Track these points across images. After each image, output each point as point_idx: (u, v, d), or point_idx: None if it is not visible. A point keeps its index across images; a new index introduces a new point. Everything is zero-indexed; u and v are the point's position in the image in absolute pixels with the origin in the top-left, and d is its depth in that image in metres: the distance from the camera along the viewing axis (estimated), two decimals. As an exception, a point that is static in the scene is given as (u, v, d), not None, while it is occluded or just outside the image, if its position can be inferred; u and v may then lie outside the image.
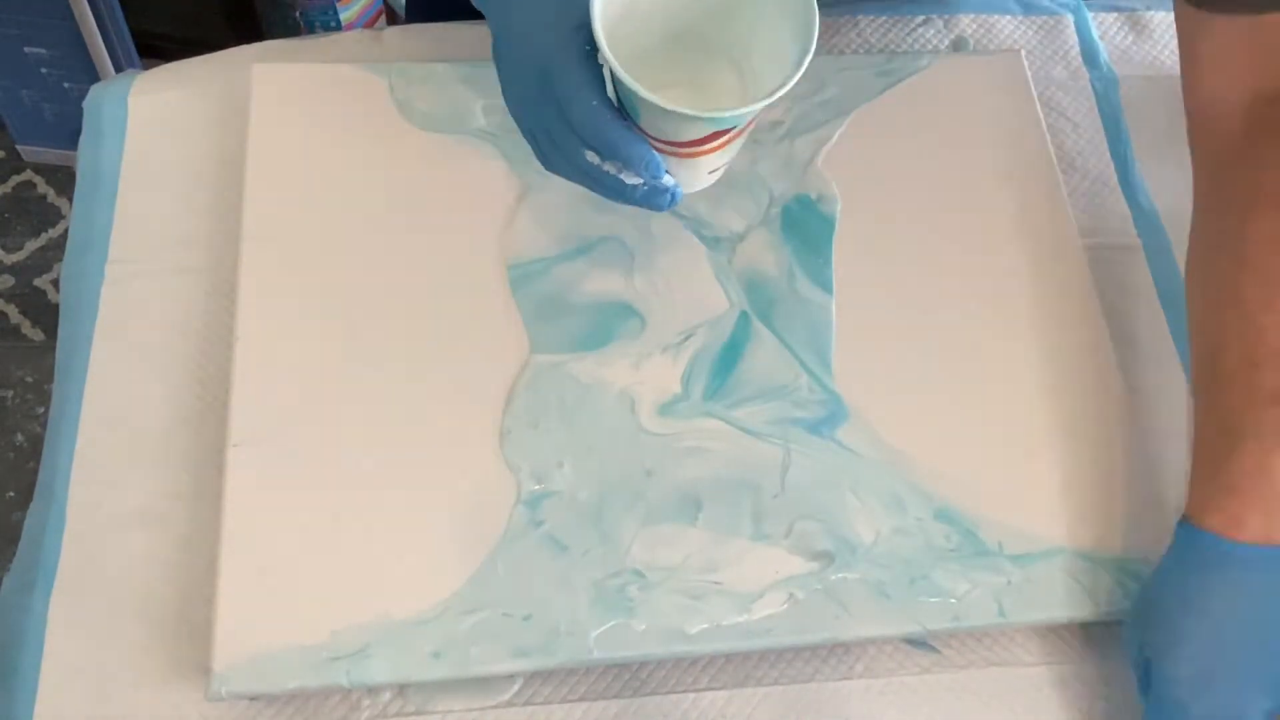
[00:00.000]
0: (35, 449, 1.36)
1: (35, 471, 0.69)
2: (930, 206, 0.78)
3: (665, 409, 0.70)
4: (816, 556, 0.66)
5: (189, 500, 0.67)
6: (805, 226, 0.76)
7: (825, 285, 0.74)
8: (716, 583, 0.65)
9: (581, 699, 0.65)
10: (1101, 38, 0.91)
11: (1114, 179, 0.84)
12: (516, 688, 0.65)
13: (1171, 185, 0.85)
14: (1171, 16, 0.92)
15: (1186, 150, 0.74)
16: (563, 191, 0.72)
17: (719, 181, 0.68)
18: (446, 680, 0.62)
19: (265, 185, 0.73)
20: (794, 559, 0.66)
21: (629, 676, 0.66)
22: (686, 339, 0.72)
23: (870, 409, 0.71)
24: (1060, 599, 0.67)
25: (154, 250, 0.74)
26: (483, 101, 0.78)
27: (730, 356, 0.72)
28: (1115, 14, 0.93)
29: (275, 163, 0.74)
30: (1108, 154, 0.85)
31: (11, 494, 1.34)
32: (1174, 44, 0.91)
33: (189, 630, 0.64)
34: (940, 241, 0.77)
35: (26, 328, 1.44)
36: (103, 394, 0.70)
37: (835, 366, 0.72)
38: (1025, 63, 0.84)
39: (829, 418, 0.70)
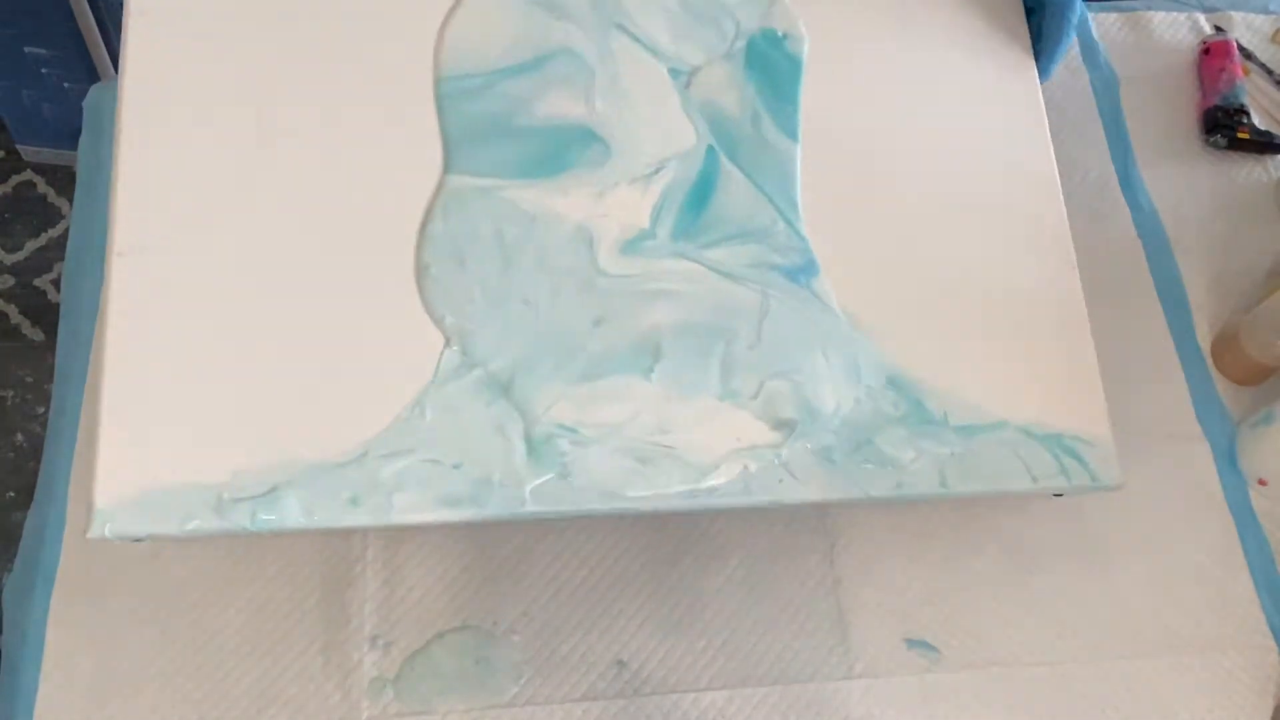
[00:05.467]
0: (35, 449, 1.36)
1: (35, 471, 0.69)
2: (900, 59, 0.75)
3: (629, 247, 0.64)
4: (780, 425, 0.63)
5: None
6: (771, 66, 0.72)
7: (791, 132, 0.70)
8: (668, 446, 0.61)
9: (582, 699, 0.65)
10: (1101, 38, 0.91)
11: (1114, 179, 0.84)
12: (517, 688, 0.65)
13: (1171, 185, 0.85)
14: (1171, 16, 0.93)
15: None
16: None
17: (682, 9, 0.65)
18: (367, 528, 0.58)
19: None
20: (758, 426, 0.63)
21: (629, 676, 0.66)
22: (657, 171, 0.67)
23: (833, 266, 0.67)
24: (999, 472, 0.66)
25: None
26: None
27: (702, 193, 0.67)
28: (1115, 14, 0.93)
29: None
30: (1108, 154, 0.85)
31: (11, 494, 1.34)
32: (1174, 44, 0.92)
33: (189, 630, 0.64)
34: (908, 99, 0.74)
35: (26, 328, 1.44)
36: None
37: (803, 215, 0.68)
38: None
39: (806, 266, 0.67)
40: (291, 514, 0.56)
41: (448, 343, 0.60)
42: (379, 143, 0.64)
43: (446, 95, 0.65)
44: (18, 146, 1.54)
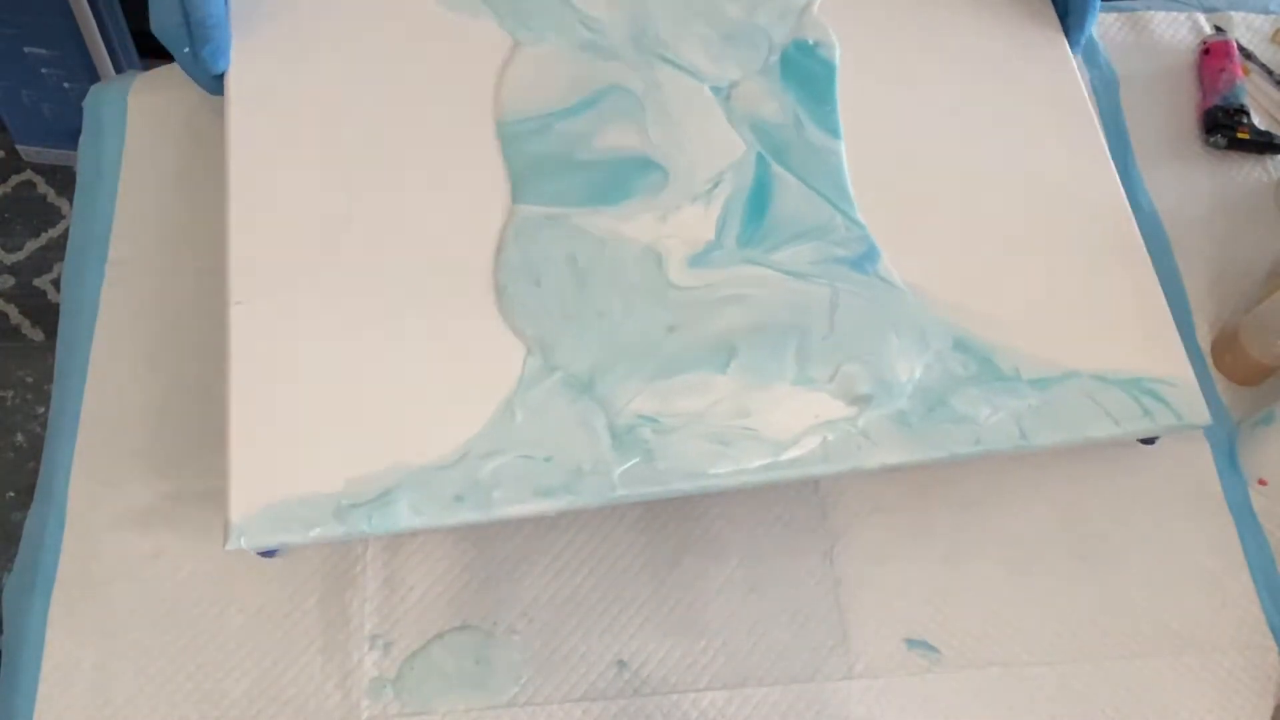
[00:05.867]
0: (35, 449, 1.36)
1: (35, 471, 0.69)
2: (929, 45, 0.79)
3: (697, 260, 0.69)
4: (856, 401, 0.66)
5: (189, 500, 0.67)
6: (806, 72, 0.76)
7: (833, 130, 0.74)
8: (748, 428, 0.64)
9: (582, 699, 0.65)
10: (1101, 38, 0.91)
11: (1114, 179, 0.84)
12: (517, 688, 0.65)
13: (1171, 185, 0.85)
14: (1171, 16, 0.93)
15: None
16: (558, 45, 0.73)
17: (717, 31, 0.73)
18: (469, 524, 0.62)
19: (251, 48, 0.73)
20: (835, 404, 0.65)
21: (629, 676, 0.66)
22: (716, 185, 0.71)
23: (892, 244, 0.71)
24: (1080, 419, 0.67)
25: (154, 250, 0.74)
26: None
27: (760, 200, 0.71)
28: (1115, 14, 0.93)
29: (260, 25, 0.74)
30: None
31: (11, 494, 1.34)
32: (1174, 44, 0.92)
33: (189, 630, 0.64)
34: (940, 84, 0.78)
35: (26, 328, 1.44)
36: (103, 394, 0.70)
37: (856, 204, 0.72)
38: None
39: (868, 252, 0.70)
40: (403, 515, 0.60)
41: (529, 351, 0.65)
42: (452, 181, 0.70)
43: (508, 136, 0.71)
44: (18, 146, 1.54)
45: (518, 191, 0.70)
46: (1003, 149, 0.75)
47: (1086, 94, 0.78)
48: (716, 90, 0.74)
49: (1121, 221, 0.74)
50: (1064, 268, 0.71)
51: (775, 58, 0.76)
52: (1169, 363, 0.69)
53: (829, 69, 0.76)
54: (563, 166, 0.70)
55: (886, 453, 0.64)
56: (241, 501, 0.60)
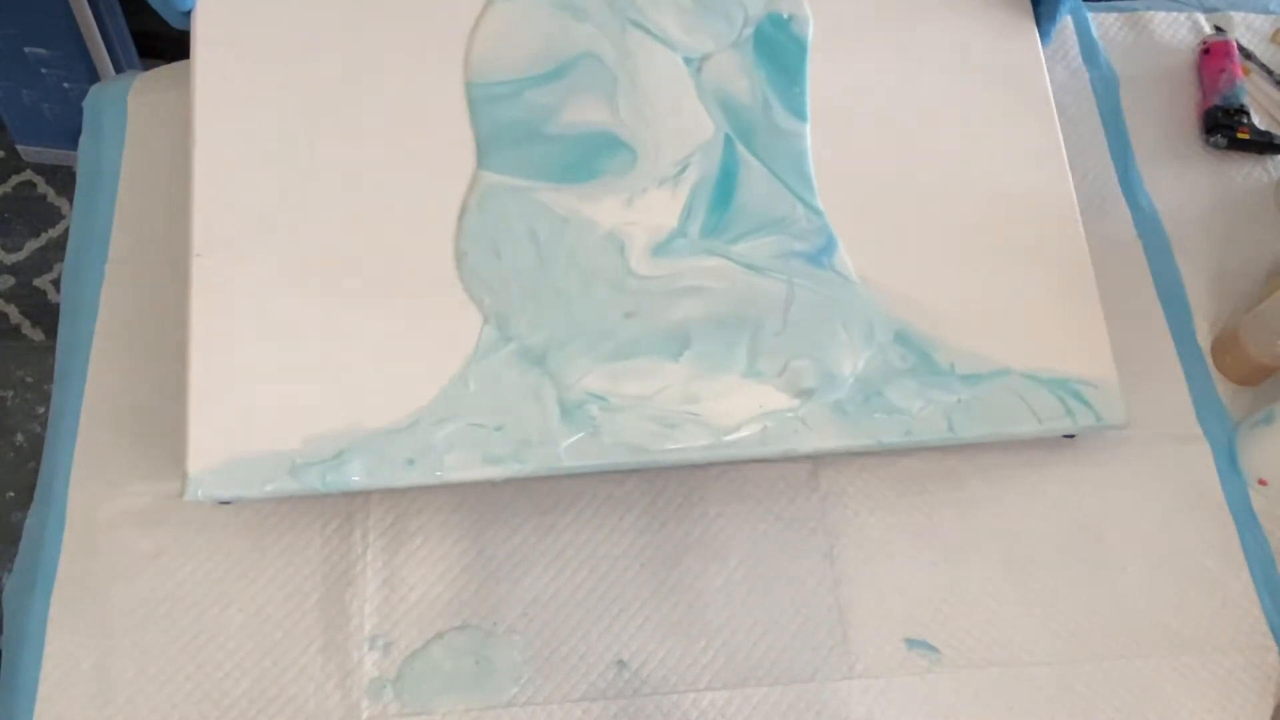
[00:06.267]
0: (35, 449, 1.36)
1: (35, 471, 0.69)
2: (902, 31, 0.78)
3: (660, 249, 0.69)
4: (801, 394, 0.67)
5: (188, 501, 0.67)
6: (778, 49, 0.75)
7: (800, 113, 0.74)
8: (693, 413, 0.65)
9: (581, 699, 0.65)
10: (1101, 37, 0.91)
11: (1114, 179, 0.84)
12: (517, 688, 0.65)
13: (1171, 185, 0.85)
14: (1171, 16, 0.93)
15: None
16: (531, 1, 0.72)
17: (693, 1, 0.72)
18: (421, 486, 0.64)
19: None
20: (780, 395, 0.67)
21: (629, 676, 0.66)
22: (684, 169, 0.71)
23: (847, 232, 0.71)
24: (1006, 416, 0.69)
25: (154, 250, 0.74)
26: None
27: (726, 189, 0.71)
28: (1115, 14, 0.93)
29: None
30: (1108, 154, 0.85)
31: (11, 494, 1.34)
32: (1174, 44, 0.92)
33: (189, 630, 0.64)
34: (909, 70, 0.77)
35: (26, 328, 1.44)
36: (103, 394, 0.70)
37: (817, 190, 0.72)
38: None
39: (826, 245, 0.71)
40: (355, 476, 0.62)
41: (486, 321, 0.66)
42: (418, 138, 0.70)
43: (477, 99, 0.71)
44: (18, 146, 1.54)
45: (483, 157, 0.69)
46: (963, 142, 0.75)
47: (1050, 90, 0.78)
48: (688, 61, 0.74)
49: (1068, 223, 0.74)
50: (1008, 265, 0.72)
51: (749, 30, 0.76)
52: (1096, 365, 0.71)
53: (801, 46, 0.76)
54: (530, 137, 0.70)
55: (820, 439, 0.66)
56: (200, 454, 0.62)
